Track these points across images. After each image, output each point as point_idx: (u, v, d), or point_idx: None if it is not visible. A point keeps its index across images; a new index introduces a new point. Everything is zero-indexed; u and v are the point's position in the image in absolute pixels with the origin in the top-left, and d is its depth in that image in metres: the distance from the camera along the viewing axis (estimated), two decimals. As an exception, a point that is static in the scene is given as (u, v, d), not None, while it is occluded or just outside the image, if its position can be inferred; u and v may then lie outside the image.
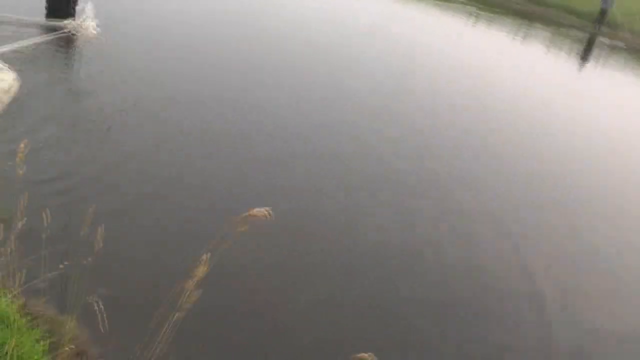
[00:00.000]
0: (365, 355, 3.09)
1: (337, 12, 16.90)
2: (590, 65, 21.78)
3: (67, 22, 6.37)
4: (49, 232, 3.33)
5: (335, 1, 18.92)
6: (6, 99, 4.18)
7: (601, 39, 26.58)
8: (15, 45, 5.09)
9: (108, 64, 7.30)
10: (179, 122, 6.92)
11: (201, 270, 3.30)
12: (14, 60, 4.65)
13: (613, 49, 25.56)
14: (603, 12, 27.50)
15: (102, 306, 3.21)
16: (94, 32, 6.27)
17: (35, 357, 3.29)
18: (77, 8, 7.86)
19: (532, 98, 13.55)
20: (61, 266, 3.58)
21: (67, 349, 3.41)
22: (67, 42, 6.57)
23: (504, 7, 27.36)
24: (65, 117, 6.16)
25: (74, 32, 6.24)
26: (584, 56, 22.99)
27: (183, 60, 8.99)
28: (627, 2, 28.76)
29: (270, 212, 3.25)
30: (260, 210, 3.27)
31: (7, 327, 3.30)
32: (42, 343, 3.45)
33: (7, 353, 2.96)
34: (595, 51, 24.88)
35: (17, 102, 4.59)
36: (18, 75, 4.50)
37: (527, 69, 17.26)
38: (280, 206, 5.58)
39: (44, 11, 8.89)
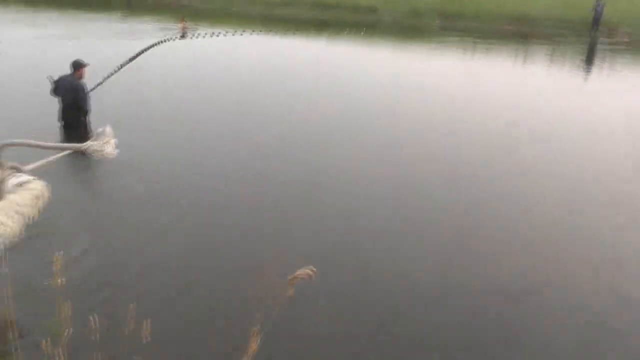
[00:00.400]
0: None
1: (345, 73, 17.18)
2: (597, 68, 21.65)
3: (89, 146, 6.43)
4: (95, 336, 3.23)
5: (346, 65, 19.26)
6: (40, 203, 4.21)
7: (601, 43, 26.58)
8: (39, 163, 5.17)
9: (130, 171, 7.45)
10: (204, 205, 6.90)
11: (253, 344, 3.17)
12: (40, 174, 4.74)
13: (615, 49, 25.49)
14: (596, 17, 27.61)
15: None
16: (114, 152, 6.36)
17: None
18: (96, 129, 8.10)
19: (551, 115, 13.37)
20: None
21: None
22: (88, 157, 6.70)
23: (498, 33, 27.67)
24: (98, 223, 6.19)
25: (93, 153, 6.33)
26: (589, 61, 22.92)
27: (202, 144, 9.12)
28: (619, 3, 28.89)
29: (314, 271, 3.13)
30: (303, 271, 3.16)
31: None
32: None
33: None
34: (598, 55, 24.81)
35: (50, 208, 4.64)
36: (46, 184, 4.57)
37: (537, 86, 17.16)
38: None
39: (58, 125, 9.26)
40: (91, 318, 3.18)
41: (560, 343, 4.71)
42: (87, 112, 9.23)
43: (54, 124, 9.26)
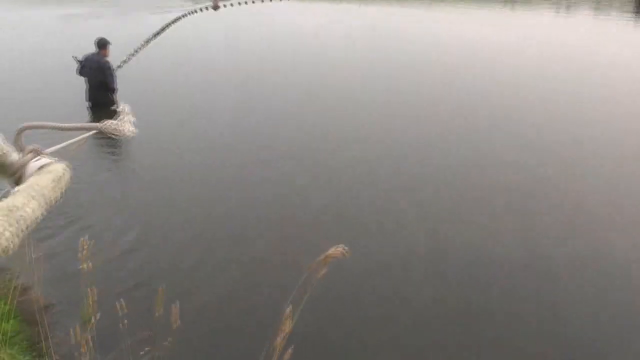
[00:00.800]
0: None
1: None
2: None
3: (107, 124, 6.37)
4: (125, 322, 3.19)
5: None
6: (61, 186, 4.24)
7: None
8: (60, 146, 5.17)
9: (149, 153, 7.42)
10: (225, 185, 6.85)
11: (287, 325, 3.08)
12: (60, 156, 4.74)
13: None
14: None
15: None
16: (133, 130, 6.29)
17: None
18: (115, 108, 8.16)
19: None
20: (142, 353, 3.42)
21: None
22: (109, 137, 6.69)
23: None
24: (121, 203, 6.20)
25: (113, 132, 6.28)
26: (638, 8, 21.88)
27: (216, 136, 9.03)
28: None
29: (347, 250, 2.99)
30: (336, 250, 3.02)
31: None
32: None
33: None
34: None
35: (71, 189, 4.63)
36: (68, 165, 4.56)
37: (585, 40, 16.49)
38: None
39: (86, 105, 9.33)
40: (118, 304, 3.13)
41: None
42: (114, 91, 9.27)
43: (82, 104, 9.31)
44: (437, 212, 6.02)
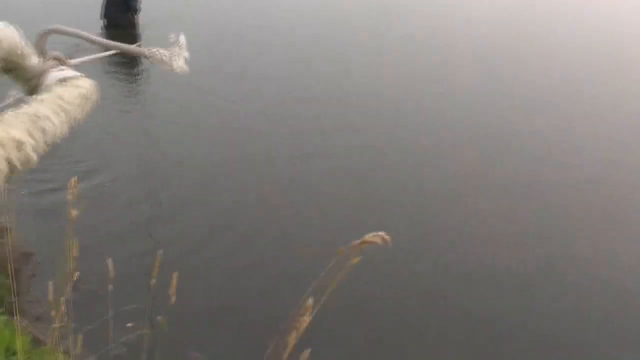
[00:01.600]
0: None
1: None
2: None
3: (155, 52, 6.34)
4: (111, 286, 3.15)
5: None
6: (87, 106, 4.27)
7: None
8: (87, 58, 5.23)
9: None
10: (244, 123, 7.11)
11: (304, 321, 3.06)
12: (90, 71, 4.81)
13: None
14: None
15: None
16: (184, 68, 6.27)
17: None
18: (168, 36, 8.09)
19: None
20: (129, 325, 3.40)
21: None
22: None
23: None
24: (137, 150, 6.22)
25: (160, 62, 6.25)
26: None
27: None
28: None
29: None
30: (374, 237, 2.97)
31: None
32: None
33: None
34: None
35: (98, 108, 4.66)
36: (95, 82, 4.58)
37: None
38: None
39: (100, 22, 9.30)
40: (106, 265, 3.08)
41: None
42: (136, 11, 9.15)
43: (94, 21, 9.23)
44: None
